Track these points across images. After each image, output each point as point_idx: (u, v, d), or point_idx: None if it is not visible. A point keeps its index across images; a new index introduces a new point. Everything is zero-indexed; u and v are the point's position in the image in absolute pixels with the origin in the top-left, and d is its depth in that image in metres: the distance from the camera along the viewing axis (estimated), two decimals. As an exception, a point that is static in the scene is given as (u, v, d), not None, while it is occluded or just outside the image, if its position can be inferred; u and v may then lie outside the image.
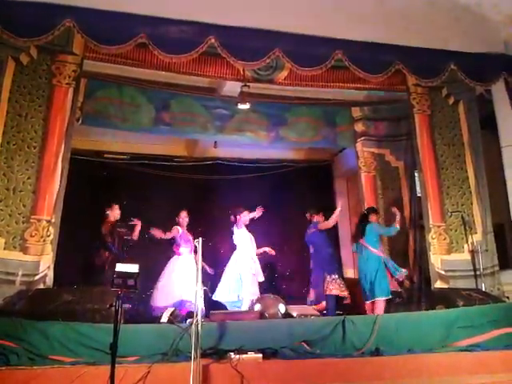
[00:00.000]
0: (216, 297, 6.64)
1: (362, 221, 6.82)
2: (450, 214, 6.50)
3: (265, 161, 9.29)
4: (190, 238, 6.74)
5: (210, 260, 6.55)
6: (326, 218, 7.20)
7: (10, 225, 5.22)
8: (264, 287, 6.97)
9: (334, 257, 7.41)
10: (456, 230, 6.52)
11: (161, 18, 5.64)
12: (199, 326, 3.78)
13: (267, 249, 7.13)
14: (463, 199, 6.65)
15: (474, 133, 6.85)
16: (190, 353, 3.70)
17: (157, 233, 6.61)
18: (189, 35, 5.75)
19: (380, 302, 6.34)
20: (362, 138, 8.09)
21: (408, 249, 7.57)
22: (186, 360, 3.82)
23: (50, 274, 5.27)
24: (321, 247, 7.10)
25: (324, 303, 6.79)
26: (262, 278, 6.94)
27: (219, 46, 5.76)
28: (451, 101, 6.93)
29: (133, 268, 3.54)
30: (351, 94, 7.80)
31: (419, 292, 7.01)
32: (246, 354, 4.12)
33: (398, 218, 6.78)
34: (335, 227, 8.11)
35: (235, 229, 6.98)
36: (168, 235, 6.71)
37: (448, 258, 6.39)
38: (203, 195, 8.46)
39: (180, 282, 6.40)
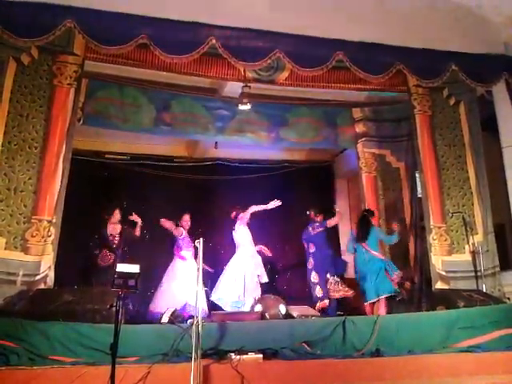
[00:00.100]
0: (216, 296, 6.62)
1: (366, 224, 6.82)
2: (450, 214, 6.50)
3: (265, 161, 9.29)
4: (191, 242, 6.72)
5: (210, 260, 6.54)
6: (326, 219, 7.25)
7: (10, 225, 5.22)
8: (264, 288, 6.96)
9: (334, 258, 7.42)
10: (457, 231, 6.51)
11: (162, 18, 5.65)
12: (200, 326, 3.78)
13: (263, 247, 7.12)
14: (464, 200, 6.65)
15: (474, 133, 6.85)
16: (191, 353, 3.70)
17: (167, 224, 6.63)
18: (190, 36, 5.76)
19: (382, 300, 6.38)
20: (363, 139, 8.10)
21: (409, 250, 7.57)
22: (187, 360, 3.81)
23: (51, 274, 5.27)
24: (323, 247, 7.13)
25: (327, 301, 6.81)
26: (266, 279, 6.94)
27: (220, 46, 5.77)
28: (452, 101, 6.93)
29: (134, 268, 3.54)
30: (352, 95, 7.81)
31: (420, 293, 7.02)
32: (247, 354, 4.12)
33: (397, 229, 6.90)
34: (335, 228, 8.11)
35: (237, 226, 6.96)
36: (175, 231, 6.70)
37: (449, 258, 6.38)
38: (203, 196, 8.46)
39: (183, 287, 6.36)
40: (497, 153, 6.85)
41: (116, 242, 6.40)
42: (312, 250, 7.14)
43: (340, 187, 9.74)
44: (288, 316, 5.53)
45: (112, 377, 3.28)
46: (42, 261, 5.24)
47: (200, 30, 5.74)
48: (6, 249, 5.14)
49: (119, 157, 8.67)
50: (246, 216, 6.94)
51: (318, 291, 6.89)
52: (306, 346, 4.54)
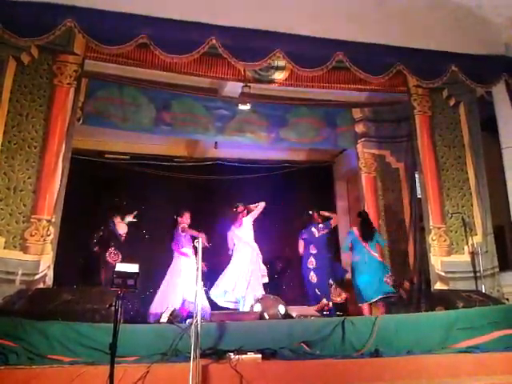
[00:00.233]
0: (219, 289, 6.60)
1: (371, 224, 6.85)
2: (450, 215, 6.50)
3: (265, 161, 9.28)
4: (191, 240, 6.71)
5: (210, 260, 6.53)
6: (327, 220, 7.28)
7: (10, 224, 5.23)
8: (264, 288, 6.96)
9: (334, 262, 7.45)
10: (456, 232, 6.52)
11: (162, 18, 5.66)
12: (199, 326, 3.78)
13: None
14: (463, 201, 6.65)
15: (474, 134, 6.85)
16: (190, 353, 3.70)
17: (190, 232, 6.62)
18: (190, 36, 5.77)
19: (379, 301, 6.40)
20: (363, 139, 8.10)
21: (408, 250, 7.58)
22: (186, 360, 3.81)
23: (50, 273, 5.27)
24: (325, 249, 7.14)
25: (325, 301, 6.82)
26: (266, 280, 6.95)
27: (220, 46, 5.78)
28: (452, 102, 6.94)
29: (133, 268, 3.53)
30: (352, 95, 7.81)
31: (419, 293, 7.03)
32: (246, 354, 4.12)
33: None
34: (335, 229, 8.12)
35: (245, 221, 6.92)
36: (199, 234, 6.42)
37: (448, 259, 6.39)
38: (203, 196, 8.45)
39: (189, 284, 6.33)
40: (496, 154, 6.86)
41: (123, 241, 6.46)
42: (313, 251, 7.12)
43: (339, 187, 9.73)
44: (287, 316, 5.54)
45: (111, 376, 3.27)
46: (41, 260, 5.24)
47: (200, 30, 5.74)
48: (5, 248, 5.14)
49: (119, 156, 8.65)
50: (256, 212, 6.94)
51: (316, 292, 6.89)
52: (304, 346, 4.54)
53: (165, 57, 5.78)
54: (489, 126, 7.04)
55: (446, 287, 6.22)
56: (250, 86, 6.81)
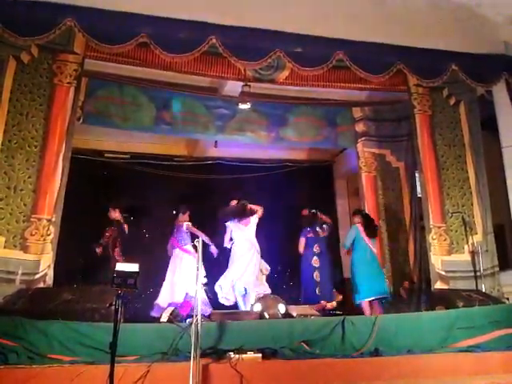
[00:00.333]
0: (226, 280, 6.59)
1: (375, 223, 6.86)
2: (450, 214, 6.50)
3: (265, 161, 9.28)
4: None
5: (210, 260, 6.53)
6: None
7: (10, 223, 5.22)
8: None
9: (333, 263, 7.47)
10: (456, 231, 6.52)
11: (162, 17, 5.66)
12: (199, 325, 3.78)
13: None
14: (464, 200, 6.65)
15: (474, 133, 6.85)
16: (190, 352, 3.69)
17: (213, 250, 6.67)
18: (190, 35, 5.77)
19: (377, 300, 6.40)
20: (363, 139, 8.09)
21: (408, 249, 7.58)
22: (186, 359, 3.80)
23: (50, 273, 5.27)
24: (327, 250, 7.15)
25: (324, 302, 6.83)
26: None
27: (220, 45, 5.78)
28: (452, 101, 6.93)
29: (133, 267, 3.53)
30: (352, 95, 7.80)
31: (419, 292, 7.03)
32: (246, 353, 4.11)
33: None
34: (336, 229, 8.12)
35: (253, 221, 6.90)
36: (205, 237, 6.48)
37: (448, 258, 6.39)
38: (203, 195, 8.44)
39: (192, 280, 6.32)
40: (497, 153, 6.86)
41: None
42: (317, 250, 7.12)
43: (340, 187, 9.73)
44: (287, 315, 5.53)
45: (111, 376, 3.27)
46: (41, 259, 5.24)
47: (200, 29, 5.74)
48: (5, 247, 5.14)
49: (119, 156, 8.65)
50: (260, 213, 6.95)
51: (316, 291, 6.90)
52: (305, 346, 4.53)
53: (165, 56, 5.77)
54: (489, 125, 7.04)
55: (446, 286, 6.22)
56: (250, 85, 6.80)
